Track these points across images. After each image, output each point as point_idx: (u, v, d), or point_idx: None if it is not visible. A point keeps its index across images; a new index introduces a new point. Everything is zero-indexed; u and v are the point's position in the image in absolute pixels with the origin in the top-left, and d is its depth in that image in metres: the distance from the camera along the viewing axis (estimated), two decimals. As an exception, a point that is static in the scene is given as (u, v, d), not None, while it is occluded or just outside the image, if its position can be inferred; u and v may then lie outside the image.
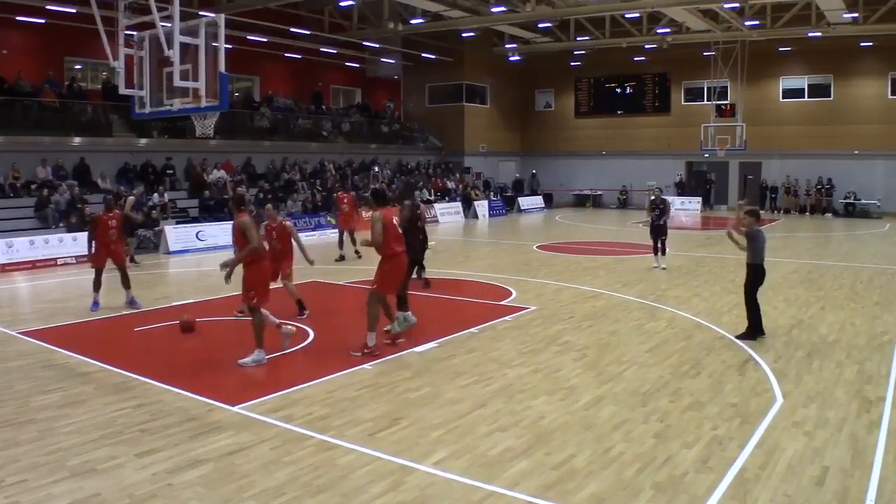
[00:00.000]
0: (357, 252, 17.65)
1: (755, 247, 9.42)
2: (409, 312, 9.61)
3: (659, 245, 15.90)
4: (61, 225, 18.32)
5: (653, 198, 16.61)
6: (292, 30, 27.49)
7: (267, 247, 10.46)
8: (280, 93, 30.41)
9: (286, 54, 29.81)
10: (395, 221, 8.86)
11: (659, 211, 15.73)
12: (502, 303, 12.00)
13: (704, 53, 31.11)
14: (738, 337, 9.41)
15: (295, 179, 26.36)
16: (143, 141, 23.39)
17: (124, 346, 9.37)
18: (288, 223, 11.20)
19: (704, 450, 5.76)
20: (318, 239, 22.52)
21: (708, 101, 33.02)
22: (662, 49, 31.48)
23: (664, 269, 15.65)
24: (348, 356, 8.50)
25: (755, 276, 9.47)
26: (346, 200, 18.22)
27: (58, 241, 17.06)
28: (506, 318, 10.75)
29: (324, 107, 32.02)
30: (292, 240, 10.87)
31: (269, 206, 11.94)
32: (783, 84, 33.20)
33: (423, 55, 33.29)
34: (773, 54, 31.63)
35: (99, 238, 11.67)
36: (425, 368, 8.10)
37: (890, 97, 30.82)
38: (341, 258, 17.43)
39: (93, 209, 18.85)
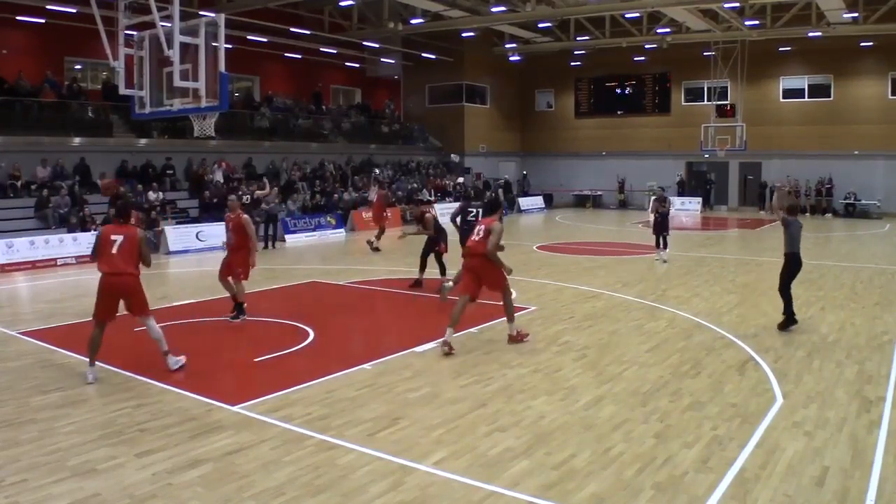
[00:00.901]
0: (374, 246, 18.55)
1: (790, 234, 9.68)
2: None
3: (661, 240, 16.54)
4: (63, 227, 18.32)
5: (654, 197, 17.05)
6: (292, 30, 27.48)
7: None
8: (280, 93, 30.41)
9: (286, 54, 29.81)
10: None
11: (665, 207, 16.91)
12: (502, 303, 11.97)
13: (704, 53, 31.12)
14: (778, 327, 9.72)
15: (295, 179, 26.37)
16: (143, 141, 23.39)
17: (124, 346, 9.35)
18: (245, 217, 10.54)
19: (704, 450, 5.76)
20: (318, 239, 22.53)
21: (708, 101, 33.04)
22: (662, 49, 31.50)
23: (665, 262, 16.22)
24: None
25: (790, 265, 9.70)
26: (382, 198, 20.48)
27: (58, 242, 17.06)
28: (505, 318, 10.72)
29: (324, 107, 32.03)
30: (248, 236, 10.38)
31: (232, 196, 11.67)
32: (783, 84, 33.20)
33: (423, 55, 33.29)
34: (773, 54, 31.63)
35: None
36: (425, 368, 8.10)
37: (890, 97, 30.81)
38: (376, 249, 18.70)
39: (90, 209, 18.92)
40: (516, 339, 9.26)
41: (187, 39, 8.62)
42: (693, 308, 11.45)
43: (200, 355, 8.92)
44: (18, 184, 19.35)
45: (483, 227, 9.16)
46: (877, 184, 30.60)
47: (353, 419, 6.46)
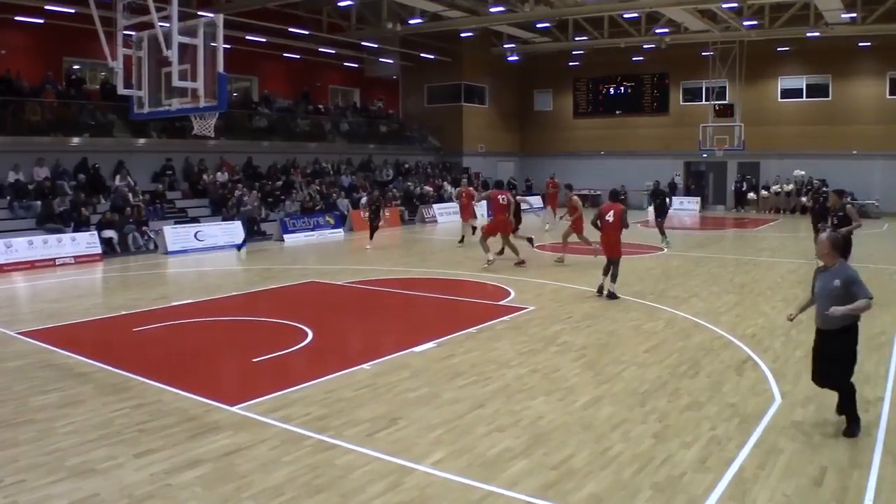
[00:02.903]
0: None
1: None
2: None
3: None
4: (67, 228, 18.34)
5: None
6: (291, 30, 27.46)
7: None
8: (278, 93, 30.40)
9: (285, 54, 29.79)
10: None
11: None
12: (501, 303, 12.00)
13: (703, 53, 31.12)
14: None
15: (294, 179, 26.38)
16: (142, 141, 23.38)
17: (123, 346, 9.36)
18: None
19: (703, 450, 5.77)
20: (316, 239, 22.53)
21: (706, 101, 33.02)
22: (661, 49, 31.49)
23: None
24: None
25: None
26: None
27: (56, 242, 17.06)
28: (504, 318, 10.75)
29: (321, 107, 32.04)
30: None
31: None
32: (781, 84, 33.23)
33: (422, 55, 33.30)
34: (772, 54, 31.66)
35: None
36: (424, 368, 8.10)
37: (888, 97, 30.84)
38: None
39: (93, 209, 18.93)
40: None
41: (186, 40, 8.61)
42: (691, 308, 11.45)
43: (199, 355, 8.93)
44: (18, 184, 19.35)
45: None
46: (875, 183, 30.63)
47: (351, 419, 6.47)
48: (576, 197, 17.13)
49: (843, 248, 6.11)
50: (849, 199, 17.04)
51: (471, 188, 21.89)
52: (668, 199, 20.32)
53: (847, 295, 5.83)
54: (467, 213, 20.53)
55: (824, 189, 21.51)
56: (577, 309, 11.42)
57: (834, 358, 6.02)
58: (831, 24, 26.95)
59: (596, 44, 32.27)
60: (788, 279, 14.36)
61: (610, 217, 12.34)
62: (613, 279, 12.16)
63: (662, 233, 19.66)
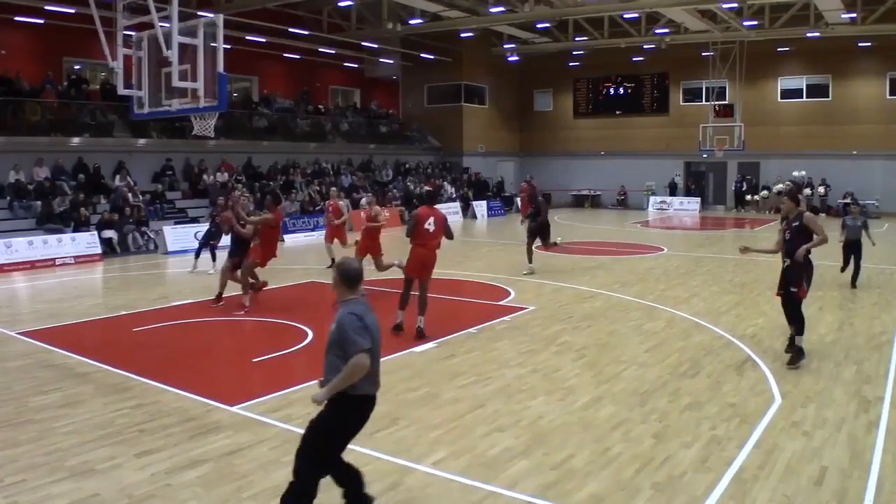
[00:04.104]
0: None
1: None
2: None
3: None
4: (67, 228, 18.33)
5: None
6: (291, 30, 27.44)
7: None
8: (278, 93, 30.41)
9: (285, 54, 29.79)
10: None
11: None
12: (501, 303, 12.00)
13: (703, 54, 31.12)
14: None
15: (294, 180, 26.39)
16: (142, 141, 23.39)
17: (123, 346, 9.36)
18: None
19: (703, 450, 5.77)
20: (317, 239, 22.50)
21: (706, 101, 32.99)
22: (661, 49, 31.48)
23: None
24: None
25: None
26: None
27: (56, 242, 17.05)
28: (504, 318, 10.75)
29: (321, 107, 32.04)
30: None
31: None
32: (781, 84, 33.22)
33: (422, 55, 33.29)
34: (772, 54, 31.65)
35: None
36: (424, 368, 8.10)
37: (888, 97, 30.83)
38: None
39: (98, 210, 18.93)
40: None
41: (186, 40, 8.63)
42: (692, 308, 11.45)
43: (199, 356, 8.93)
44: (18, 184, 19.35)
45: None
46: (875, 184, 30.64)
47: (351, 419, 6.46)
48: (378, 208, 13.64)
49: (355, 278, 4.54)
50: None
51: (340, 202, 16.20)
52: (544, 207, 15.29)
53: (343, 352, 4.32)
54: (342, 231, 15.62)
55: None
56: (578, 309, 11.42)
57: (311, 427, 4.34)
58: (831, 24, 26.95)
59: (596, 44, 32.27)
60: (788, 279, 14.33)
61: (430, 226, 9.57)
62: (423, 310, 9.50)
63: (529, 253, 15.05)
